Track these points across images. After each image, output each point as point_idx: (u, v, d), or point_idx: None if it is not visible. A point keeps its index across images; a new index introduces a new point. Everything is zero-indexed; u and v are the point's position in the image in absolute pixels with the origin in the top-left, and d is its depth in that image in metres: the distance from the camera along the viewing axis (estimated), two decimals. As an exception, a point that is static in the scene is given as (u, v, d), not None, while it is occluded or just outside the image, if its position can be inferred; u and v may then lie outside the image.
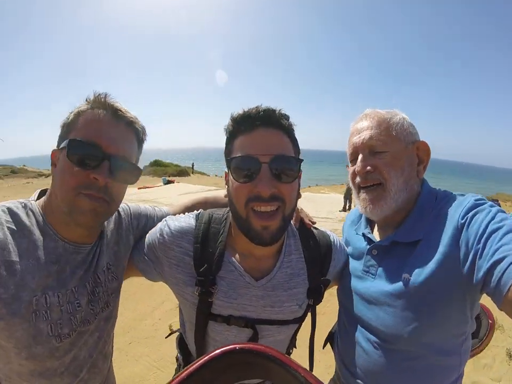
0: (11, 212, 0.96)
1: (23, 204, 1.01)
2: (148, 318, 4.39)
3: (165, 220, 1.22)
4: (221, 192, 1.45)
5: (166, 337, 1.62)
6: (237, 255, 1.15)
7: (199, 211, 1.25)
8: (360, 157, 1.19)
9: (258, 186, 0.97)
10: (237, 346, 0.54)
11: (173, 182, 21.69)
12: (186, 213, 1.25)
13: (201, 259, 1.11)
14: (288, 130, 1.06)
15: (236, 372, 0.56)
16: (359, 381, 1.20)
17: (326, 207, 13.48)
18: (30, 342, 0.94)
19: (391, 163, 1.15)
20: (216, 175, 39.47)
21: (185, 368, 0.52)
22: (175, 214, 1.29)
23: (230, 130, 1.07)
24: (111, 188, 1.01)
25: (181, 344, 1.34)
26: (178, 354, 1.35)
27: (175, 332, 1.48)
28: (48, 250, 0.98)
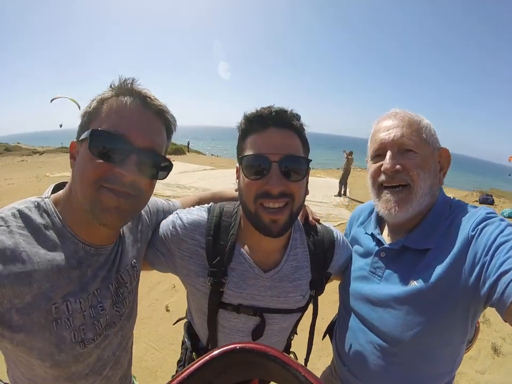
0: (23, 215, 0.86)
1: (35, 204, 0.91)
2: (144, 299, 4.41)
3: (176, 213, 1.25)
4: (227, 189, 1.52)
5: (173, 324, 1.67)
6: (247, 248, 1.19)
7: (209, 204, 1.28)
8: (389, 154, 1.16)
9: (268, 184, 1.01)
10: (238, 346, 0.55)
11: (169, 161, 21.52)
12: (197, 206, 1.28)
13: (213, 251, 1.16)
14: (298, 131, 1.09)
15: (237, 371, 0.57)
16: (353, 378, 1.24)
17: (321, 191, 13.45)
18: (52, 351, 0.88)
19: (420, 165, 1.13)
20: (212, 155, 39.20)
21: (186, 367, 0.52)
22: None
23: (243, 128, 1.10)
24: (139, 183, 0.92)
25: (189, 330, 1.40)
26: (186, 339, 1.40)
27: (183, 318, 1.54)
28: (67, 255, 0.90)
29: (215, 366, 0.54)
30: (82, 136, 0.89)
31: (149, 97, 0.94)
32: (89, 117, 0.91)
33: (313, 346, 1.41)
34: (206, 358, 0.53)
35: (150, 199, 1.26)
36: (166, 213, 1.34)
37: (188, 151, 32.96)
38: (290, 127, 1.06)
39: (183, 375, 0.51)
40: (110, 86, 0.94)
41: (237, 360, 0.55)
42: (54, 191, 1.00)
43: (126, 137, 0.87)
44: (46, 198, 0.94)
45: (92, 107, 0.91)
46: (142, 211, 1.22)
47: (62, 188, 1.00)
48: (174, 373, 1.54)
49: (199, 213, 1.22)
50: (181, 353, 1.50)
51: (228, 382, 0.57)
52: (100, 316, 0.98)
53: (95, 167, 0.85)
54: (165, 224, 1.24)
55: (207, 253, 1.16)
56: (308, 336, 1.39)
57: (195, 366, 0.52)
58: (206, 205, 1.29)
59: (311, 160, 1.11)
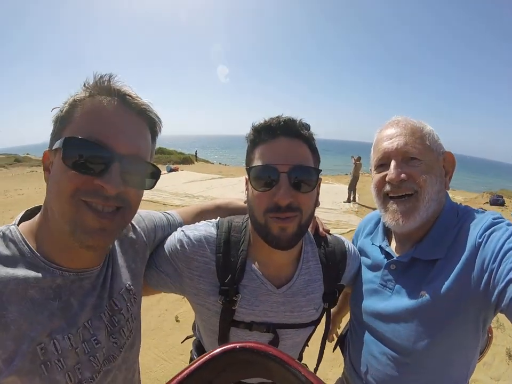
0: None
1: (0, 234, 0.79)
2: (154, 309, 4.39)
3: (182, 230, 1.19)
4: (233, 199, 1.46)
5: (181, 342, 1.62)
6: (258, 263, 1.16)
7: (217, 219, 1.24)
8: (393, 164, 1.14)
9: (276, 195, 0.97)
10: (237, 345, 0.54)
11: (177, 170, 21.64)
12: (203, 221, 1.24)
13: (224, 268, 1.12)
14: (308, 140, 1.06)
15: (237, 371, 0.57)
16: None
17: (330, 198, 13.39)
18: None
19: (426, 171, 1.11)
20: (220, 163, 39.40)
21: (186, 366, 0.52)
22: (187, 223, 1.28)
23: (251, 139, 1.07)
24: (124, 195, 0.81)
25: (199, 350, 1.36)
26: (195, 358, 1.35)
27: (191, 337, 1.50)
28: (42, 286, 0.77)
29: (215, 365, 0.54)
30: (56, 146, 0.78)
31: (129, 95, 0.83)
32: (62, 122, 0.80)
33: (325, 356, 1.39)
34: (206, 357, 0.53)
35: (147, 214, 1.19)
36: (166, 229, 1.24)
37: (196, 160, 33.14)
38: (299, 137, 1.03)
39: (183, 374, 0.50)
40: (84, 85, 0.81)
41: (237, 359, 0.55)
42: (27, 217, 0.89)
43: (106, 143, 0.76)
44: (12, 225, 0.83)
45: (64, 111, 0.80)
46: (138, 228, 1.12)
47: (37, 213, 0.88)
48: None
49: (207, 229, 1.17)
50: None
51: (228, 381, 0.57)
52: (95, 351, 0.86)
53: (71, 179, 0.75)
54: (170, 243, 1.17)
55: (218, 271, 1.12)
56: (318, 346, 1.36)
57: (195, 365, 0.52)
58: (213, 220, 1.24)
59: (321, 170, 1.08)
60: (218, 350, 0.54)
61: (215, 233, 1.16)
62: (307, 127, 1.06)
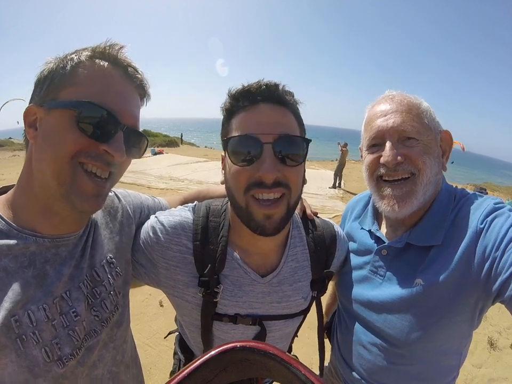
0: None
1: None
2: (137, 294, 4.32)
3: (155, 217, 1.09)
4: (216, 185, 1.36)
5: (165, 337, 1.54)
6: (240, 251, 1.07)
7: (194, 203, 1.14)
8: (388, 144, 1.04)
9: (260, 171, 0.87)
10: (238, 344, 0.53)
11: (162, 153, 21.40)
12: (179, 206, 1.15)
13: (202, 257, 1.02)
14: (292, 108, 0.95)
15: (237, 370, 0.56)
16: (360, 379, 1.20)
17: (316, 183, 13.47)
18: (26, 377, 0.72)
19: (425, 151, 1.03)
20: (206, 146, 39.04)
21: (186, 366, 0.51)
22: None
23: (227, 107, 0.95)
24: (122, 163, 0.83)
25: (181, 344, 1.29)
26: (179, 353, 1.30)
27: (174, 332, 1.43)
28: (15, 253, 0.75)
29: (215, 365, 0.53)
30: (57, 104, 0.75)
31: (133, 68, 0.85)
32: (62, 81, 0.76)
33: (309, 341, 1.34)
34: (206, 356, 0.52)
35: (132, 192, 1.18)
36: (151, 209, 1.19)
37: (182, 143, 32.74)
38: (283, 103, 0.92)
39: (183, 373, 0.49)
40: (92, 48, 0.81)
41: (238, 358, 0.54)
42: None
43: (116, 112, 0.77)
44: None
45: (67, 69, 0.76)
46: (124, 201, 1.10)
47: (9, 190, 0.86)
48: (169, 373, 1.45)
49: (183, 214, 1.07)
50: (174, 363, 1.38)
51: (228, 380, 0.56)
52: (74, 324, 0.82)
53: (76, 140, 0.74)
54: (144, 231, 1.08)
55: (196, 260, 1.02)
56: (312, 339, 1.30)
57: (195, 365, 0.51)
58: (189, 204, 1.14)
59: (311, 140, 0.96)
60: (218, 349, 0.53)
61: (192, 218, 1.07)
62: (291, 93, 0.96)
